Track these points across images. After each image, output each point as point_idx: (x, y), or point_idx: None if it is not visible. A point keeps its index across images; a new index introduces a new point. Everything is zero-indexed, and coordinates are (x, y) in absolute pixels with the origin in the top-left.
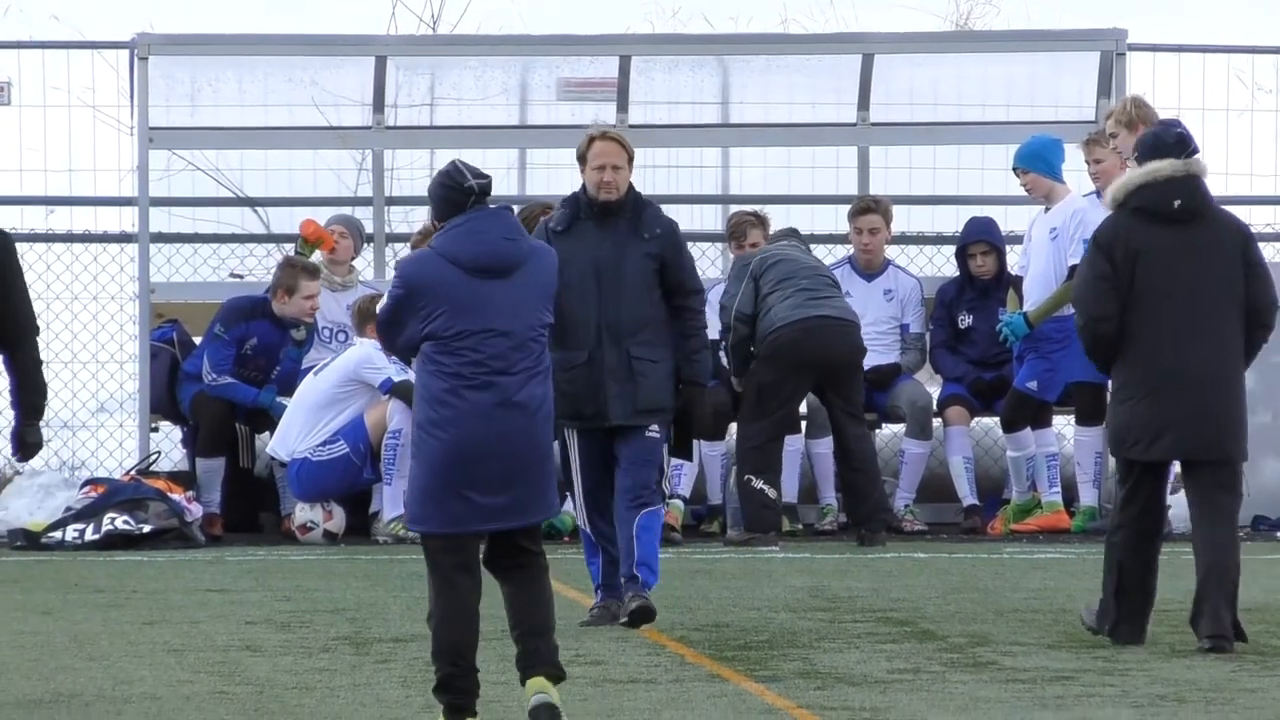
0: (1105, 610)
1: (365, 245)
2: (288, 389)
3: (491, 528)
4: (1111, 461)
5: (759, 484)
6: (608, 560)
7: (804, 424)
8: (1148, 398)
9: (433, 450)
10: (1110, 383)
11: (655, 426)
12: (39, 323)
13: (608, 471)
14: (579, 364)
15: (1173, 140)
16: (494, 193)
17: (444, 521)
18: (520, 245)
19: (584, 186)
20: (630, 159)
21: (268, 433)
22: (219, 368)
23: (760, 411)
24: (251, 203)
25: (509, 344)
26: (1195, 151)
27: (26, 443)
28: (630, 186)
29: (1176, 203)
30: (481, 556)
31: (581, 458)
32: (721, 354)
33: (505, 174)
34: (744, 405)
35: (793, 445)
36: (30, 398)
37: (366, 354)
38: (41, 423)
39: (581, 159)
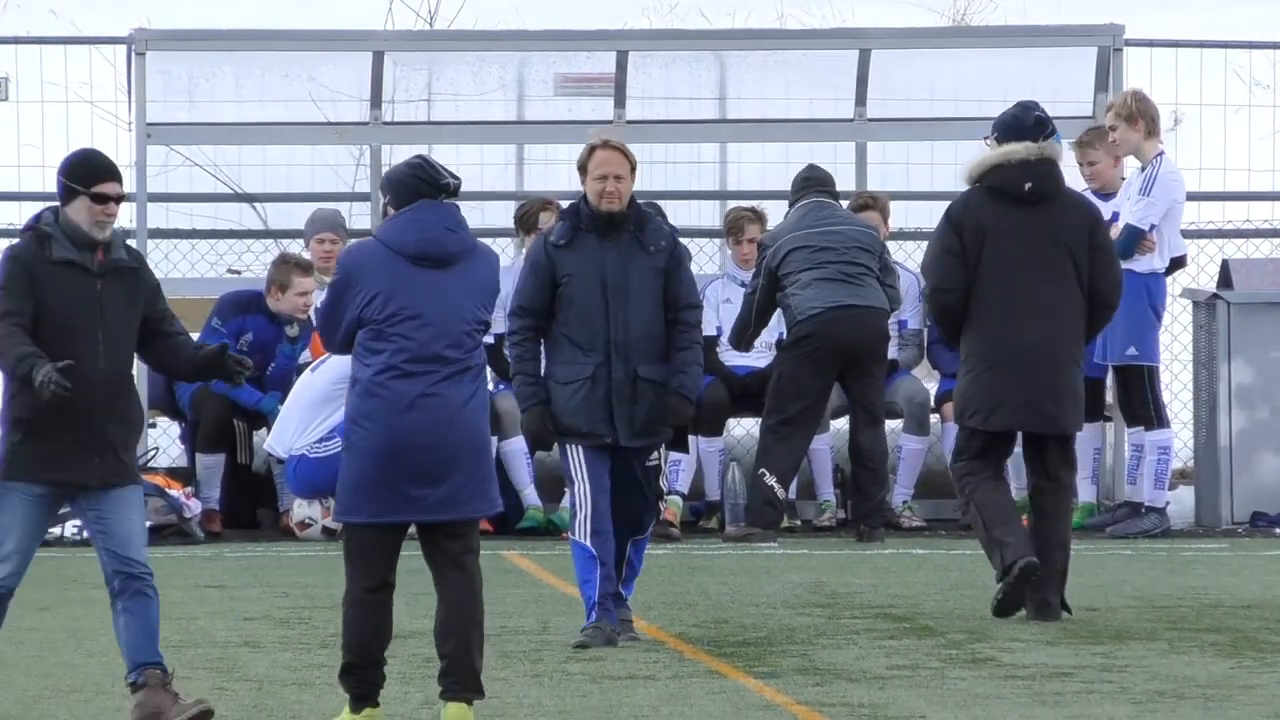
0: (994, 559)
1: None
2: (283, 386)
3: (420, 519)
4: (1110, 457)
5: (770, 480)
6: (604, 577)
7: None
8: (989, 371)
9: (361, 441)
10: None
11: (655, 455)
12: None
13: (610, 489)
14: (584, 379)
15: (1031, 123)
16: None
17: (371, 512)
18: (462, 238)
19: (584, 197)
20: (633, 168)
21: (265, 429)
22: None
23: (781, 404)
24: (249, 198)
25: (440, 334)
26: (1052, 134)
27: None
28: (633, 198)
29: (1028, 185)
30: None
31: (587, 474)
32: (718, 350)
33: (502, 169)
34: (768, 396)
35: (819, 444)
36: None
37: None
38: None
39: (582, 169)
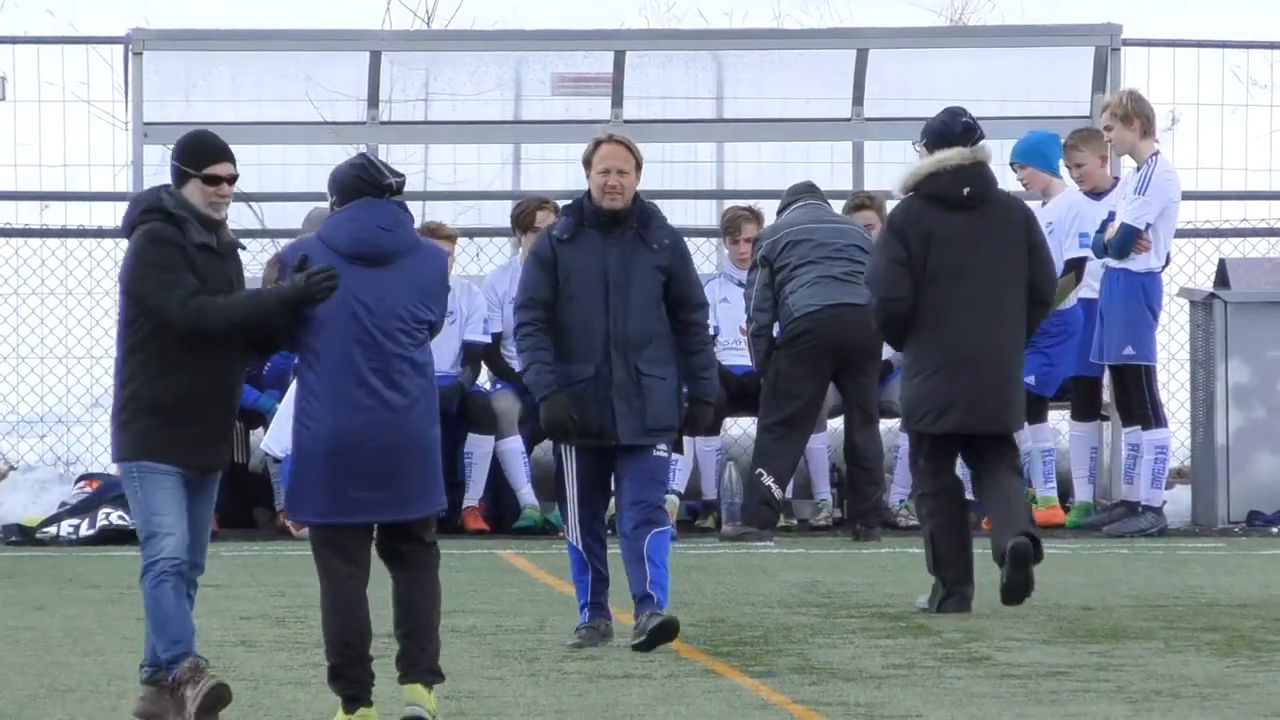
0: (935, 588)
1: None
2: (280, 384)
3: (362, 521)
4: (1107, 456)
5: (768, 480)
6: (597, 578)
7: None
8: (937, 374)
9: (303, 440)
10: (903, 359)
11: (663, 445)
12: (32, 318)
13: (604, 490)
14: (585, 379)
15: (960, 129)
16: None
17: (315, 512)
18: (398, 236)
19: (588, 193)
20: (638, 164)
21: (262, 428)
22: None
23: (776, 403)
24: (246, 198)
25: (380, 334)
26: (981, 138)
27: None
28: (636, 195)
29: (966, 190)
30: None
31: (580, 476)
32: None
33: (499, 169)
34: (763, 395)
35: (816, 443)
36: None
37: None
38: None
39: (586, 164)
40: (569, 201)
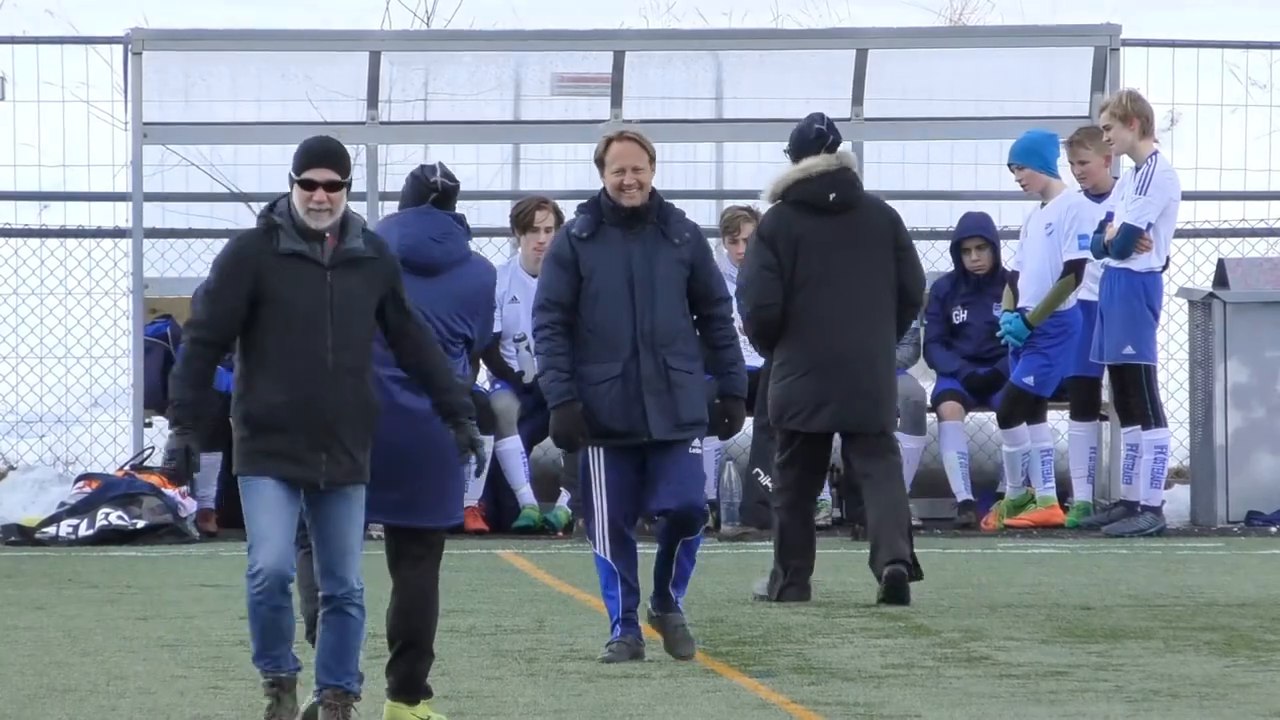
0: (774, 575)
1: None
2: None
3: (373, 520)
4: (1106, 456)
5: (765, 480)
6: (628, 591)
7: None
8: (808, 375)
9: None
10: (773, 360)
11: (697, 442)
12: (31, 318)
13: (635, 498)
14: (613, 377)
15: (813, 136)
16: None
17: None
18: (447, 248)
19: (604, 190)
20: (652, 159)
21: None
22: None
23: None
24: (245, 198)
25: None
26: (837, 143)
27: (476, 442)
28: (653, 189)
29: (833, 196)
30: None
31: (609, 482)
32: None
33: (499, 169)
34: (759, 396)
35: None
36: (459, 396)
37: None
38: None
39: (599, 162)
40: (583, 200)
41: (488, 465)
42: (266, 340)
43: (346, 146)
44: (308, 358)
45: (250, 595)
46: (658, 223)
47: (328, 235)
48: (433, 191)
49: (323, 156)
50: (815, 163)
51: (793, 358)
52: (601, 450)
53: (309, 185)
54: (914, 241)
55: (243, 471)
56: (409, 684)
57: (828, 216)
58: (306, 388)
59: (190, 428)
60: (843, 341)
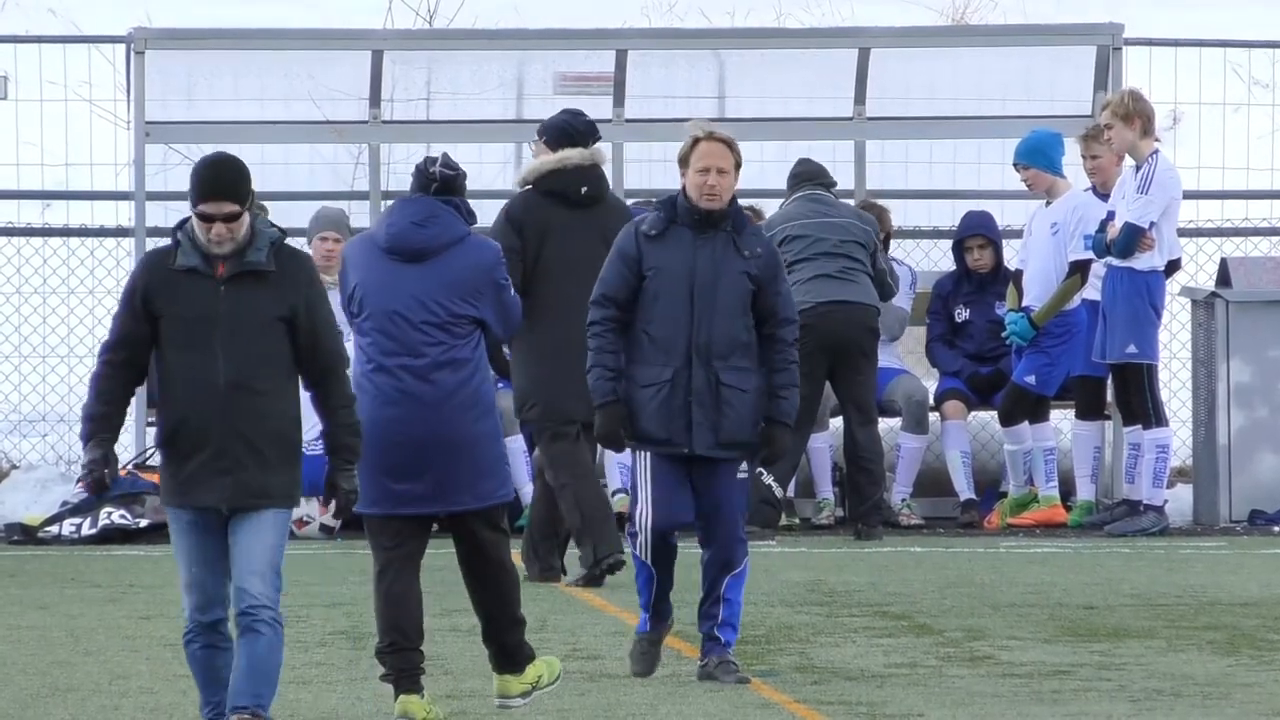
0: (587, 549)
1: None
2: None
3: (405, 512)
4: (1109, 455)
5: (769, 479)
6: (662, 595)
7: None
8: (548, 364)
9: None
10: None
11: (744, 467)
12: (34, 317)
13: (682, 501)
14: (662, 382)
15: (583, 128)
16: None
17: (366, 502)
18: (433, 232)
19: (684, 190)
20: (738, 164)
21: None
22: None
23: None
24: None
25: (413, 329)
26: (598, 140)
27: (341, 489)
28: (734, 197)
29: (583, 189)
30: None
31: (655, 487)
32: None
33: (501, 168)
34: None
35: (818, 442)
36: (343, 437)
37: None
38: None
39: (683, 161)
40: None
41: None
42: (167, 358)
43: (349, 145)
44: (200, 376)
45: (183, 638)
46: (731, 231)
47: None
48: (432, 182)
49: (216, 189)
50: (571, 155)
51: (533, 348)
52: (648, 455)
53: (206, 219)
54: (917, 241)
55: (163, 500)
56: (504, 656)
57: (576, 209)
58: (200, 408)
59: (105, 438)
60: (581, 332)
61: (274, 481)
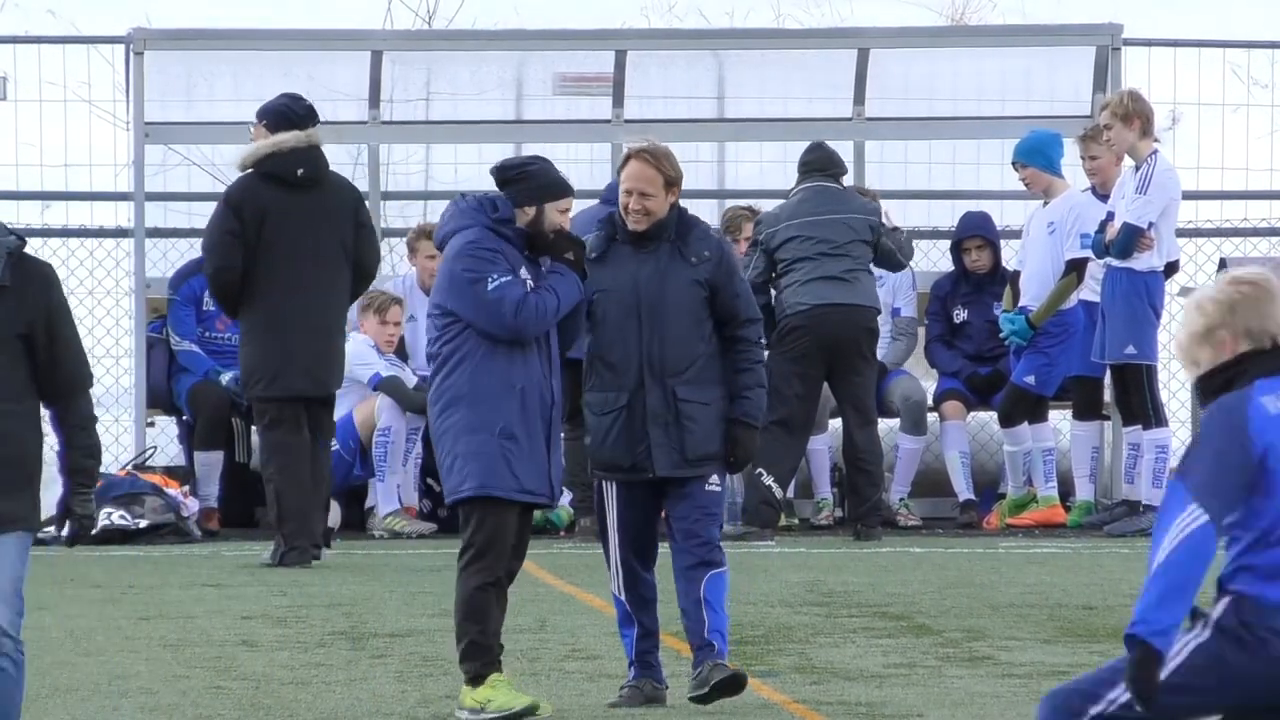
0: (277, 544)
1: None
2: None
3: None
4: (1108, 455)
5: (768, 480)
6: (644, 634)
7: None
8: (270, 341)
9: None
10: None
11: (715, 478)
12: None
13: (649, 535)
14: (618, 408)
15: (302, 112)
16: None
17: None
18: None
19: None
20: (669, 182)
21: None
22: (178, 329)
23: (772, 406)
24: None
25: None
26: (316, 123)
27: (75, 513)
28: (673, 207)
29: (300, 171)
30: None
31: (619, 517)
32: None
33: None
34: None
35: (817, 443)
36: (79, 460)
37: (358, 349)
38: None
39: (619, 174)
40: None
41: (88, 531)
42: None
43: (348, 145)
44: None
45: None
46: (675, 241)
47: None
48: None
49: None
50: (287, 138)
51: (256, 326)
52: (613, 484)
53: None
54: (915, 240)
55: None
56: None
57: (295, 191)
58: None
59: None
60: (302, 310)
61: (11, 507)
